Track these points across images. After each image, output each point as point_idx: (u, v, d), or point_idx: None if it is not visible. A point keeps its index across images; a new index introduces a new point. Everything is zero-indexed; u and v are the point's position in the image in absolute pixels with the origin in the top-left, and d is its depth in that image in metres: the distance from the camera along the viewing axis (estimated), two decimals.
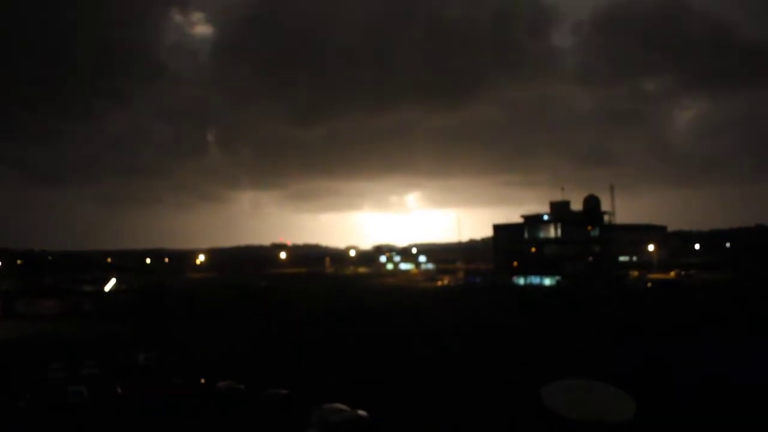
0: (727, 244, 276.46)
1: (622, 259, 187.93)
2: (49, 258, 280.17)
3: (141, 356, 57.88)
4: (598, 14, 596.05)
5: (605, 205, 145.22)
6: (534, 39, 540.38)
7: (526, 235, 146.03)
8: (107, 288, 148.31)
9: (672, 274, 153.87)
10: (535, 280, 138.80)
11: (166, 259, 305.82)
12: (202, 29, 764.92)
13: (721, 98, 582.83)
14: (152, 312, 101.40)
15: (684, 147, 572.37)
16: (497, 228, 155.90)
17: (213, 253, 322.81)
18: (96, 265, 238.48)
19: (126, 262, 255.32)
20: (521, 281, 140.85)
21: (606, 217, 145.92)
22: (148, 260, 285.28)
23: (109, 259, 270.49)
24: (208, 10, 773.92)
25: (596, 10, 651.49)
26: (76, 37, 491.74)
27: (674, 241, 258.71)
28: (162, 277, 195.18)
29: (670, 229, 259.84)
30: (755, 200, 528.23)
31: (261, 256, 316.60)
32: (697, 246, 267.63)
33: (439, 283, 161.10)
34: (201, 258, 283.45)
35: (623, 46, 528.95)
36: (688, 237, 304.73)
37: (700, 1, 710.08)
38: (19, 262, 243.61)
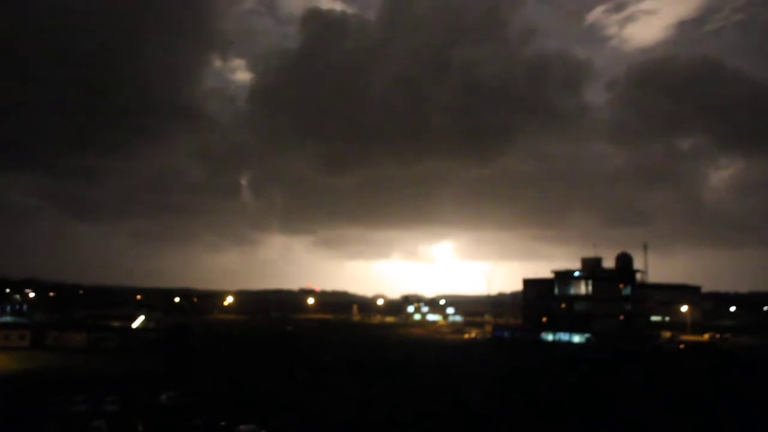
0: (765, 308, 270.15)
1: (654, 318, 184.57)
2: (80, 292, 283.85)
3: (163, 395, 57.61)
4: (632, 71, 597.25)
5: (638, 264, 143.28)
6: (568, 95, 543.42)
7: (556, 290, 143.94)
8: (135, 325, 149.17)
9: (706, 336, 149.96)
10: (564, 336, 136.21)
11: (195, 299, 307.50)
12: (241, 75, 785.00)
13: (757, 158, 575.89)
14: (178, 351, 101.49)
15: (719, 207, 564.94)
16: (527, 282, 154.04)
17: (241, 296, 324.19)
18: (126, 301, 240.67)
19: (155, 300, 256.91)
20: (550, 337, 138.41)
21: (638, 276, 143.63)
22: (176, 299, 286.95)
23: (138, 296, 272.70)
24: (247, 56, 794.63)
25: (631, 67, 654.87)
26: (118, 79, 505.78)
27: (708, 303, 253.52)
28: (189, 317, 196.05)
29: (705, 290, 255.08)
30: None
31: (289, 301, 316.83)
32: (732, 308, 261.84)
33: (467, 336, 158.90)
34: (229, 299, 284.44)
35: (657, 103, 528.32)
36: (724, 299, 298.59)
37: (734, 61, 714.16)
38: (51, 294, 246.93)
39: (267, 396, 60.57)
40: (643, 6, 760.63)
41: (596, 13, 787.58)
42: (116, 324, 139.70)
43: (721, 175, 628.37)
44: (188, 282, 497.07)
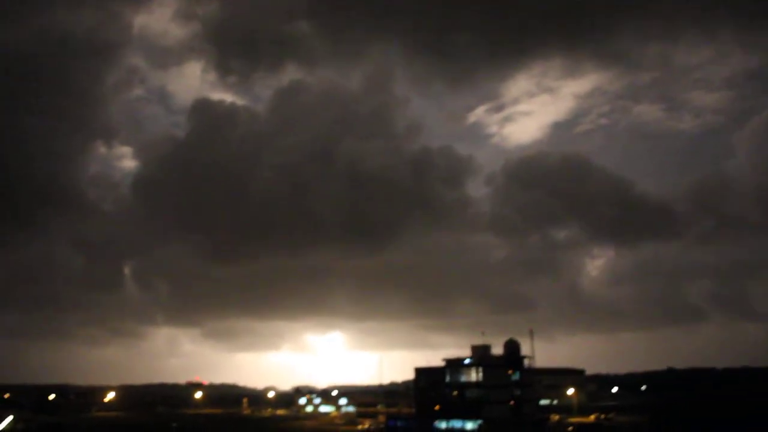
0: (642, 387, 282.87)
1: (543, 402, 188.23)
2: None
3: None
4: (509, 167, 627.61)
5: (525, 349, 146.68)
6: (451, 188, 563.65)
7: (447, 378, 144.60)
8: (1, 426, 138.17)
9: (592, 417, 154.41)
10: (457, 424, 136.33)
11: (72, 396, 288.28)
12: (127, 163, 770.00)
13: (624, 248, 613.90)
14: None
15: (595, 294, 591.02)
16: (418, 371, 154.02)
17: (123, 391, 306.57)
18: None
19: (26, 398, 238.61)
20: (443, 425, 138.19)
21: (526, 361, 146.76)
22: (51, 396, 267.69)
23: (7, 395, 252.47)
24: (134, 144, 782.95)
25: (507, 163, 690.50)
26: None
27: (592, 385, 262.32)
28: (65, 415, 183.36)
29: (588, 372, 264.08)
30: (665, 344, 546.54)
31: (175, 396, 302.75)
32: (614, 389, 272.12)
33: (360, 426, 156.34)
34: (110, 395, 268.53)
35: (533, 197, 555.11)
36: (605, 380, 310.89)
37: (600, 159, 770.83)
38: None
39: None
40: (520, 108, 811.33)
41: (478, 112, 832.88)
42: None
43: (595, 263, 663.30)
44: (65, 378, 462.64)
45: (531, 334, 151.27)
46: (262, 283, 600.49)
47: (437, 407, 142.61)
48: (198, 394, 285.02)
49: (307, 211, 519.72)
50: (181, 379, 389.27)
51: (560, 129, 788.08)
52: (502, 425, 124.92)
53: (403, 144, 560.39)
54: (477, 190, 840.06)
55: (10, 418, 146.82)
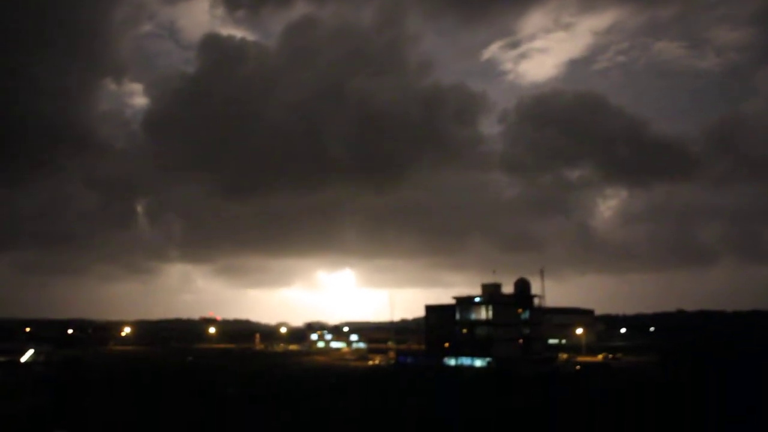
0: (651, 329, 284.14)
1: (552, 341, 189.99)
2: None
3: None
4: (523, 105, 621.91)
5: (535, 289, 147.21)
6: (463, 126, 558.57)
7: (458, 316, 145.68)
8: (23, 359, 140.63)
9: (600, 357, 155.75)
10: (466, 361, 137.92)
11: (90, 330, 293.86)
12: (138, 100, 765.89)
13: (638, 189, 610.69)
14: (69, 386, 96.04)
15: (607, 234, 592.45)
16: (429, 309, 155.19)
17: (139, 326, 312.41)
18: (13, 334, 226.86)
19: (46, 332, 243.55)
20: (453, 362, 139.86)
21: (536, 300, 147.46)
22: (70, 331, 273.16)
23: (27, 329, 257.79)
24: (145, 81, 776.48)
25: (521, 100, 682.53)
26: (3, 103, 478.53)
27: (601, 325, 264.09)
28: (83, 349, 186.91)
29: (597, 312, 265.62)
30: (676, 286, 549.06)
31: (189, 331, 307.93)
32: (623, 330, 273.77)
33: (371, 362, 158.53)
34: (127, 330, 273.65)
35: (547, 136, 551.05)
36: (614, 321, 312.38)
37: (617, 98, 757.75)
38: None
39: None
40: (536, 44, 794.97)
41: (493, 49, 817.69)
42: (2, 359, 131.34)
43: (608, 204, 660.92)
44: (83, 313, 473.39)
45: (542, 273, 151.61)
46: (274, 220, 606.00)
47: (447, 344, 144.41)
48: (211, 330, 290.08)
49: (319, 147, 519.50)
50: (195, 315, 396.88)
51: (577, 66, 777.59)
52: (511, 363, 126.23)
53: (414, 80, 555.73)
54: (490, 128, 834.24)
55: (32, 351, 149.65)
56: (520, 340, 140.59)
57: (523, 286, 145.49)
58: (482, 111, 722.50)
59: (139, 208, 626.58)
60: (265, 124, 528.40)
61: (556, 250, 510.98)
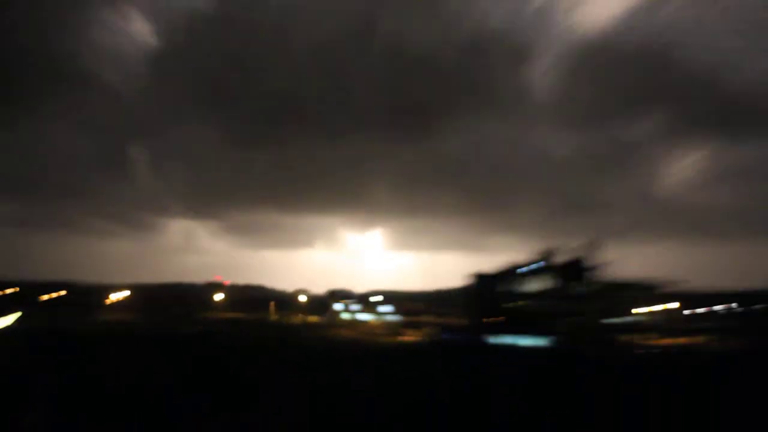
0: (734, 304, 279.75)
1: (616, 320, 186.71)
2: None
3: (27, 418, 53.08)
4: (579, 54, 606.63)
5: (602, 258, 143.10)
6: (509, 75, 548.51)
7: (507, 287, 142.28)
8: (8, 321, 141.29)
9: (680, 340, 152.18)
10: (516, 339, 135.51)
11: (78, 294, 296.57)
12: (142, 35, 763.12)
13: (719, 147, 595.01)
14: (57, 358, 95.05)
15: (680, 198, 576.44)
16: (474, 277, 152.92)
17: (135, 291, 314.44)
18: None
19: (27, 296, 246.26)
20: (500, 340, 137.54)
21: (598, 272, 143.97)
22: (54, 294, 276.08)
23: (16, 288, 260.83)
24: (149, 15, 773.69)
25: (578, 49, 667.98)
26: None
27: (675, 301, 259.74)
28: (71, 315, 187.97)
29: (671, 288, 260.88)
30: (764, 260, 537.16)
31: (193, 297, 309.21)
32: (701, 309, 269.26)
33: (407, 338, 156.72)
34: (121, 294, 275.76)
35: (605, 87, 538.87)
36: (692, 298, 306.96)
37: (685, 46, 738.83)
38: None
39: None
40: None
41: None
42: None
43: (682, 164, 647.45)
44: (68, 274, 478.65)
45: (604, 241, 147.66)
46: (292, 172, 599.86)
47: (493, 319, 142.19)
48: (219, 296, 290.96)
49: (345, 91, 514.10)
50: (200, 279, 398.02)
51: (638, 13, 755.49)
52: (574, 343, 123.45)
53: (455, 21, 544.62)
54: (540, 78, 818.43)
55: (19, 314, 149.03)
56: (583, 317, 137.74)
57: (589, 253, 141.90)
58: (531, 59, 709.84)
59: (137, 154, 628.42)
60: (284, 64, 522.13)
61: (621, 214, 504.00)
